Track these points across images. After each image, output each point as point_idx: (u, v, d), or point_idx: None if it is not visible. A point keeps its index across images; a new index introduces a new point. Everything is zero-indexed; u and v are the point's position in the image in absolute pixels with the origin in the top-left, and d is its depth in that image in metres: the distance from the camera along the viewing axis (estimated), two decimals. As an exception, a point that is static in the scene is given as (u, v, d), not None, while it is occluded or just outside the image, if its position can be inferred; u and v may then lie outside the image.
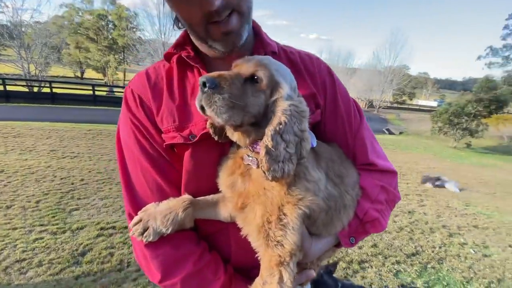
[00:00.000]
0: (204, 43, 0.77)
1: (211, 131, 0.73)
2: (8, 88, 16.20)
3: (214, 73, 0.62)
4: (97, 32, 35.36)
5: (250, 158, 0.70)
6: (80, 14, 36.18)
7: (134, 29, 36.15)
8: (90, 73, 41.03)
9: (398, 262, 3.30)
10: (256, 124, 0.66)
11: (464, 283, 3.05)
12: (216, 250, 0.81)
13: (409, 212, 4.96)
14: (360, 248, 3.49)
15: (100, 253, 2.90)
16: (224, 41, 0.74)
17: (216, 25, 0.70)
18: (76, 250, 2.94)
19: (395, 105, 50.46)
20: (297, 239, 0.65)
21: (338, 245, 0.83)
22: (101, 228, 3.37)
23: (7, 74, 18.82)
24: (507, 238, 4.30)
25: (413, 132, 25.02)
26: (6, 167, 5.18)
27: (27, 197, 4.06)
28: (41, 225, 3.35)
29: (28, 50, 19.02)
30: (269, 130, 0.60)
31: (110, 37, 37.10)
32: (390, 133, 23.89)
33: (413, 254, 3.52)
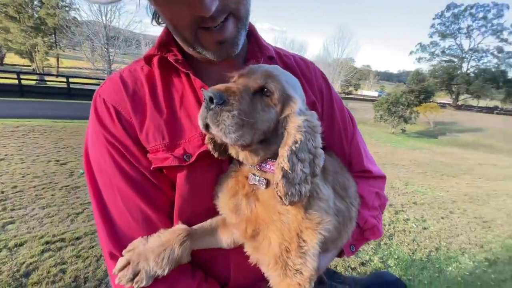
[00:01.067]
0: (191, 48, 0.68)
1: (210, 147, 0.66)
2: None
3: (221, 86, 0.55)
4: (19, 9, 29.98)
5: (257, 178, 0.64)
6: (-6, -14, 30.15)
7: (67, 8, 31.48)
8: (12, 58, 34.87)
9: (356, 243, 3.60)
10: (265, 141, 0.60)
11: (410, 254, 3.49)
12: (213, 274, 0.75)
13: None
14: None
15: (49, 272, 2.52)
16: (217, 51, 0.66)
17: (208, 32, 0.62)
18: (18, 271, 2.51)
19: (343, 95, 54.55)
20: (316, 264, 0.62)
21: (339, 254, 0.83)
22: (47, 242, 2.94)
23: None
24: (439, 212, 5.03)
25: (359, 120, 27.04)
26: None
27: None
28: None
29: None
30: (284, 151, 0.55)
31: (36, 16, 31.77)
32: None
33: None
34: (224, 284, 0.76)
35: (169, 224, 0.70)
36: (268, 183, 0.63)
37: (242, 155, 0.63)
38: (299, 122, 0.57)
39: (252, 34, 0.81)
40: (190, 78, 0.71)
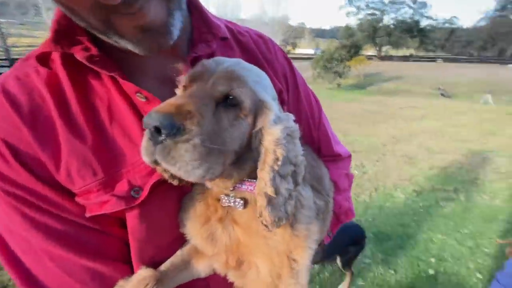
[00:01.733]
0: (104, 36, 0.49)
1: (166, 176, 0.52)
2: None
3: (168, 106, 0.41)
4: None
5: (232, 199, 0.55)
6: None
7: None
8: None
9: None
10: (237, 160, 0.50)
11: (356, 198, 3.86)
12: None
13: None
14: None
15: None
16: (141, 41, 0.49)
17: (124, 15, 0.45)
18: None
19: (282, 55, 55.05)
20: (307, 277, 0.58)
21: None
22: None
23: None
24: (374, 156, 5.63)
25: (299, 79, 28.20)
26: None
27: None
28: None
29: None
30: (265, 173, 0.47)
31: None
32: (282, 82, 26.15)
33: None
34: None
35: (128, 270, 0.58)
36: (245, 203, 0.55)
37: (211, 183, 0.55)
38: (277, 134, 0.48)
39: (195, 8, 0.61)
40: (116, 79, 0.52)
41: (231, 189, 0.55)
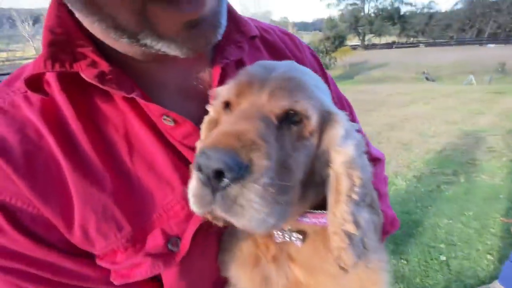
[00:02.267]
0: (131, 42, 0.36)
1: (209, 218, 0.41)
2: None
3: (224, 136, 0.33)
4: None
5: (287, 234, 0.45)
6: None
7: None
8: None
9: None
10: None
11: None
12: None
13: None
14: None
15: None
16: (189, 40, 0.38)
17: (170, 7, 0.33)
18: None
19: (267, 51, 55.06)
20: None
21: None
22: None
23: None
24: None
25: (286, 74, 28.25)
26: None
27: None
28: None
29: None
30: (341, 204, 0.38)
31: None
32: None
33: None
34: None
35: None
36: (304, 237, 0.46)
37: None
38: (350, 154, 0.39)
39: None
40: (133, 99, 0.41)
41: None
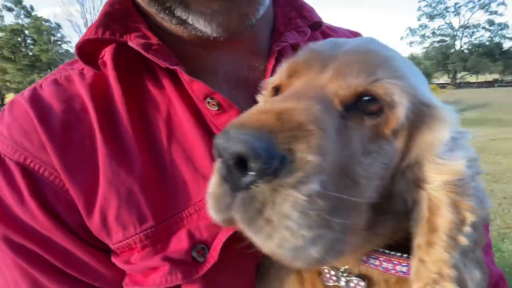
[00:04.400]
0: (163, 12, 0.37)
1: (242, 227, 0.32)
2: None
3: (257, 114, 0.24)
4: (14, 50, 30.70)
5: (344, 276, 0.34)
6: (-11, 32, 31.05)
7: (59, 42, 32.36)
8: (12, 98, 35.69)
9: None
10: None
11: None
12: None
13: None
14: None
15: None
16: (219, 14, 0.35)
17: None
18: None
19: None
20: None
21: None
22: None
23: None
24: None
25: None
26: None
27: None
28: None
29: None
30: (438, 249, 0.26)
31: (31, 53, 32.68)
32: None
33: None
34: None
35: None
36: (369, 286, 0.34)
37: None
38: (459, 171, 0.26)
39: None
40: (179, 80, 0.39)
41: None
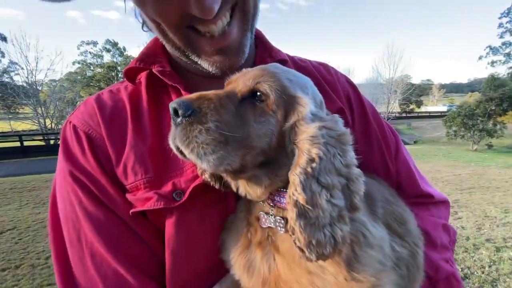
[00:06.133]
0: (183, 56, 0.58)
1: (205, 177, 0.52)
2: (25, 143, 16.98)
3: (192, 95, 0.44)
4: (108, 82, 37.69)
5: (272, 218, 0.48)
6: (92, 68, 38.99)
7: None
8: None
9: (445, 290, 2.87)
10: (269, 163, 0.46)
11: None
12: None
13: (444, 227, 4.50)
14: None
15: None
16: (217, 61, 0.55)
17: (206, 38, 0.53)
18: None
19: (404, 114, 50.00)
20: None
21: None
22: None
23: (24, 131, 19.84)
24: None
25: (428, 140, 24.32)
26: (19, 222, 5.12)
27: (37, 253, 3.91)
28: (49, 284, 3.15)
29: (44, 106, 20.22)
30: (294, 175, 0.40)
31: (121, 85, 39.35)
32: (405, 143, 23.08)
33: (462, 279, 3.08)
34: None
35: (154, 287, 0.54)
36: (286, 223, 0.47)
37: (241, 187, 0.49)
38: (313, 131, 0.41)
39: (258, 39, 0.69)
40: (181, 94, 0.59)
41: (269, 201, 0.49)
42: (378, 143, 0.69)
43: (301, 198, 0.38)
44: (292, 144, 0.44)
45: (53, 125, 20.65)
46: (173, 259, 0.53)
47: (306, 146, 0.41)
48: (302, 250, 0.39)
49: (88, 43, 38.56)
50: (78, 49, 38.24)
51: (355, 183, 0.41)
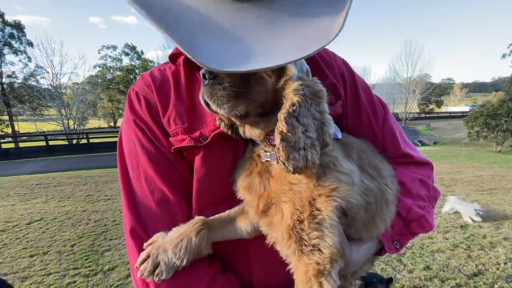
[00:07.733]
0: None
1: (222, 126, 0.68)
2: (50, 143, 17.96)
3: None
4: (127, 85, 39.06)
5: (268, 153, 0.63)
6: (111, 71, 40.55)
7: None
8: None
9: (458, 285, 2.83)
10: (266, 113, 0.60)
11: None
12: (235, 272, 0.72)
13: (462, 226, 4.38)
14: (410, 272, 3.07)
15: (130, 294, 2.82)
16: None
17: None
18: (107, 292, 2.89)
19: (423, 115, 48.30)
20: (336, 239, 0.55)
21: (379, 252, 0.72)
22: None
23: (49, 131, 21.02)
24: None
25: (448, 141, 23.33)
26: (46, 214, 5.49)
27: (63, 241, 4.20)
28: (75, 268, 3.39)
29: (67, 108, 21.33)
30: (281, 114, 0.53)
31: (139, 87, 40.75)
32: (423, 144, 22.43)
33: (475, 275, 3.03)
34: (247, 285, 0.72)
35: (187, 209, 0.72)
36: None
37: (247, 131, 0.64)
38: (295, 86, 0.55)
39: None
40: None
41: (266, 141, 0.63)
42: (367, 113, 0.81)
43: (284, 128, 0.52)
44: (282, 98, 0.57)
45: (75, 125, 21.75)
46: (198, 186, 0.70)
47: (290, 96, 0.55)
48: (284, 163, 0.52)
49: (108, 47, 40.15)
50: (99, 53, 39.95)
51: (327, 126, 0.55)
